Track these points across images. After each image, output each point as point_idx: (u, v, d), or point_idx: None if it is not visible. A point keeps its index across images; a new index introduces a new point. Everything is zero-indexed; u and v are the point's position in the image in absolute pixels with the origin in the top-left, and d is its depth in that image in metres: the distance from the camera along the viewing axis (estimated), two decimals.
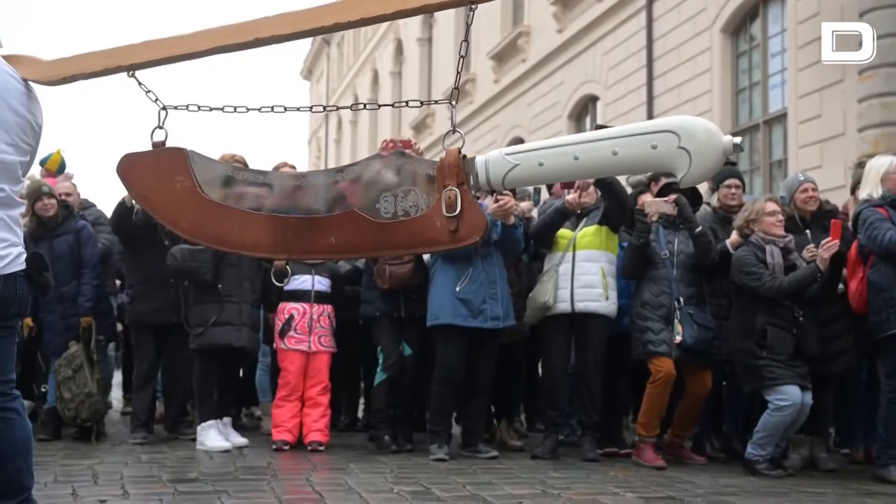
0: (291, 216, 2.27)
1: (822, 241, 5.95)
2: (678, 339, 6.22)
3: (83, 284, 6.81)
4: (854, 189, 6.87)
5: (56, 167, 7.88)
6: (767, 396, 5.90)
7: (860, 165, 7.09)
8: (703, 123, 2.03)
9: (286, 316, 6.67)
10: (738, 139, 2.04)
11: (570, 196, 6.34)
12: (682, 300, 6.28)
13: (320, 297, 6.74)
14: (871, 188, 6.11)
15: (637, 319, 6.33)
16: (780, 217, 6.16)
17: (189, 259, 6.40)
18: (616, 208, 6.42)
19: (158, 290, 6.70)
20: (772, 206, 6.22)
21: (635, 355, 6.36)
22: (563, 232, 6.48)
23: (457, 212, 2.11)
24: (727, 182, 6.76)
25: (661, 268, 6.36)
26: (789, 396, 5.82)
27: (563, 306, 6.36)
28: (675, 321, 6.24)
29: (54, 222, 6.80)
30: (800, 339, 5.94)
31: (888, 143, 10.03)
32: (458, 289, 6.19)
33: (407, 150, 6.59)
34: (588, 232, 6.43)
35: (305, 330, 6.65)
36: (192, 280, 6.56)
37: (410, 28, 28.97)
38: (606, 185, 6.32)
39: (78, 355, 6.57)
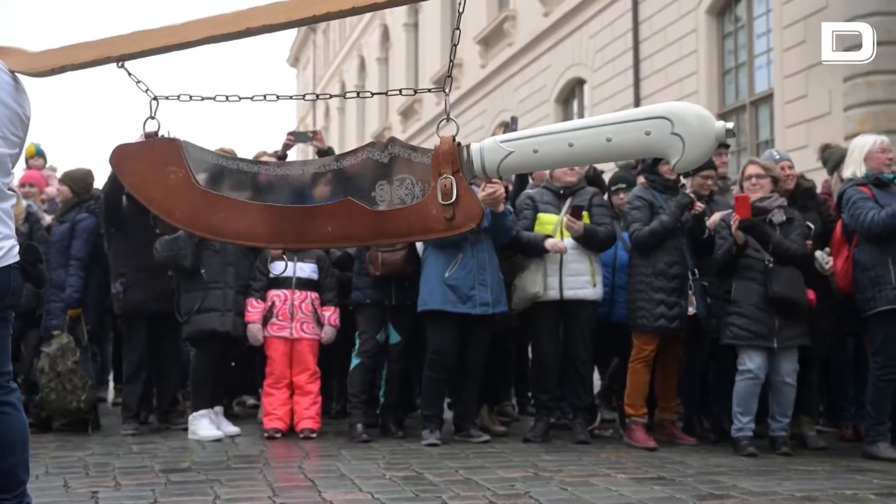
0: (287, 205, 2.27)
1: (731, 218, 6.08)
2: (692, 311, 6.27)
3: (70, 276, 6.85)
4: (832, 171, 6.94)
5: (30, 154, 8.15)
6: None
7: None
8: (695, 109, 2.04)
9: (268, 303, 6.67)
10: (730, 124, 2.05)
11: (550, 243, 6.35)
12: (696, 271, 6.33)
13: (302, 284, 6.73)
14: (854, 167, 6.14)
15: (648, 290, 6.32)
16: (756, 181, 6.17)
17: (167, 249, 6.43)
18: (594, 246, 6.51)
19: (153, 280, 6.68)
20: (749, 170, 6.27)
21: (640, 325, 6.35)
22: (549, 218, 6.47)
23: (452, 199, 2.12)
24: (704, 172, 6.73)
25: (673, 238, 6.38)
26: (747, 361, 5.94)
27: (552, 294, 6.37)
28: (690, 293, 6.28)
29: (62, 207, 7.07)
30: (764, 284, 5.97)
31: (874, 121, 10.07)
32: (447, 275, 6.19)
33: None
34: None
35: (287, 316, 6.64)
36: (174, 269, 6.57)
37: (396, 14, 28.89)
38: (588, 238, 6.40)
39: (73, 347, 6.57)
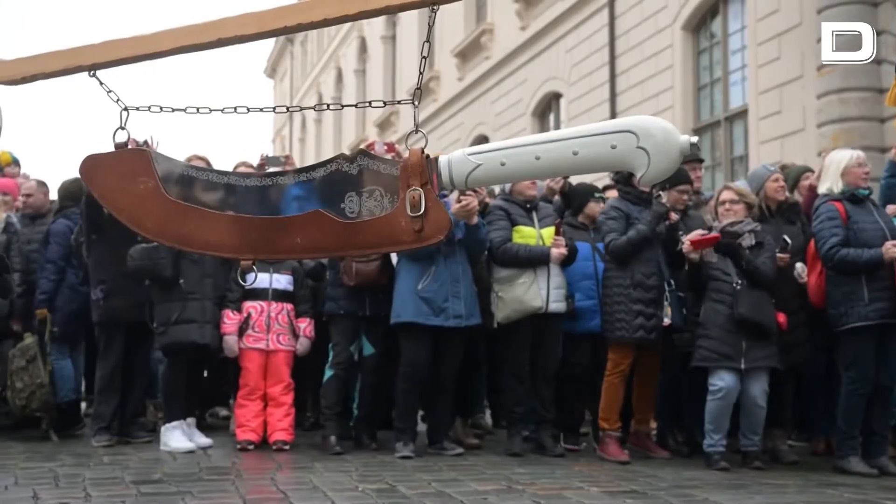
0: (256, 217, 2.27)
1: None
2: (667, 321, 6.30)
3: (41, 279, 7.00)
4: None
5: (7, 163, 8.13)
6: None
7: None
8: (660, 123, 2.06)
9: (244, 314, 6.64)
10: (695, 138, 2.07)
11: (556, 254, 6.41)
12: (672, 282, 6.37)
13: (278, 295, 6.71)
14: (831, 182, 6.17)
15: (626, 301, 6.33)
16: (729, 206, 6.27)
17: (146, 257, 6.35)
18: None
19: (134, 287, 6.58)
20: (723, 196, 6.38)
21: (619, 336, 6.35)
22: (529, 231, 6.48)
23: (421, 211, 2.12)
24: (680, 187, 6.78)
25: (649, 248, 6.41)
26: (717, 380, 5.96)
27: (542, 307, 6.42)
28: (666, 304, 6.31)
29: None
30: (732, 306, 6.01)
31: (847, 138, 10.20)
32: (420, 287, 6.18)
33: (383, 152, 6.64)
34: (550, 233, 6.48)
35: (263, 328, 6.62)
36: (152, 278, 6.49)
37: (374, 26, 28.94)
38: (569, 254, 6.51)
39: (32, 346, 6.63)
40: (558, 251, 6.39)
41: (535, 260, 6.39)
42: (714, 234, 6.18)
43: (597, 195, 7.02)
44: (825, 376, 6.73)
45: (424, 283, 6.18)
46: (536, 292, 6.37)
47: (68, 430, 6.93)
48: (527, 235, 6.46)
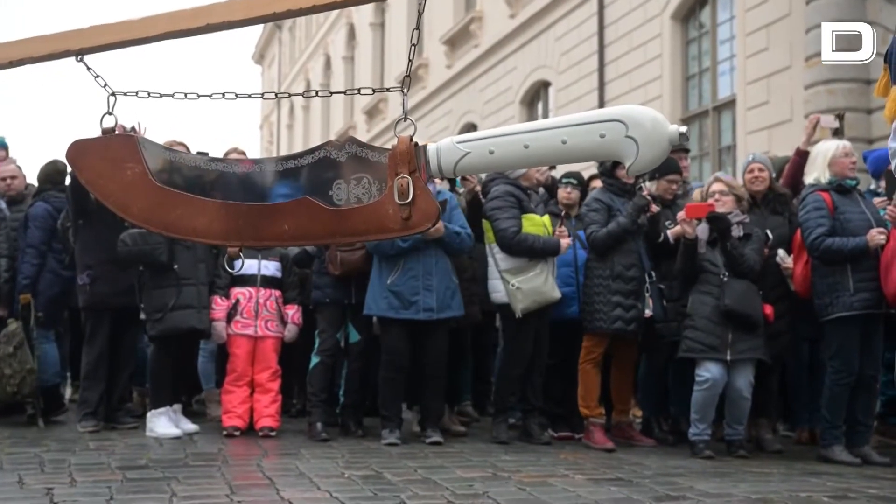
0: (244, 203, 2.27)
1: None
2: (648, 313, 6.32)
3: (23, 263, 7.01)
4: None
5: None
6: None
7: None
8: (649, 113, 2.06)
9: (233, 300, 6.64)
10: (683, 128, 2.07)
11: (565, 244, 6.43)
12: (653, 274, 6.38)
13: (267, 282, 6.71)
14: (818, 173, 6.18)
15: (605, 292, 6.35)
16: (719, 197, 6.26)
17: (141, 242, 6.29)
18: None
19: (121, 273, 6.56)
20: (714, 187, 6.39)
21: (597, 327, 6.37)
22: (538, 219, 6.43)
23: (409, 199, 2.12)
24: (669, 177, 6.80)
25: (630, 240, 6.42)
26: (704, 371, 5.99)
27: (560, 296, 6.46)
28: (647, 296, 6.34)
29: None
30: (719, 298, 6.04)
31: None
32: (389, 281, 6.18)
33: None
34: (548, 221, 6.49)
35: (251, 314, 6.62)
36: (146, 264, 6.45)
37: (363, 13, 28.84)
38: None
39: (18, 333, 6.61)
40: (566, 241, 6.41)
41: (547, 251, 6.39)
42: (709, 202, 6.20)
43: (563, 181, 7.01)
44: (809, 366, 6.78)
45: (393, 276, 6.17)
46: (553, 283, 6.39)
47: (51, 414, 6.91)
48: (537, 223, 6.41)
